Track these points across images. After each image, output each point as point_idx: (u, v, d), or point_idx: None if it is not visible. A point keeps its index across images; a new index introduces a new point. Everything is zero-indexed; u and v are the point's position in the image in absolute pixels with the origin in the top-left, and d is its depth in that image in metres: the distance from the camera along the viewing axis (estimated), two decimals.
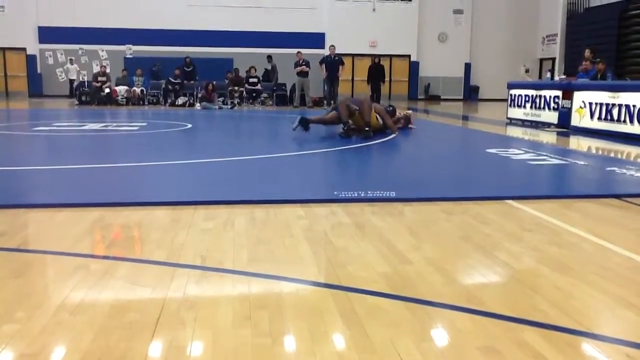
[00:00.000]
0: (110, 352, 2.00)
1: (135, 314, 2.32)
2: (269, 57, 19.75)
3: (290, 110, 17.22)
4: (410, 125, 10.54)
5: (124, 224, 3.76)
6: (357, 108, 8.97)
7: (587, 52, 12.40)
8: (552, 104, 11.54)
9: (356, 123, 8.97)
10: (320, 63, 17.85)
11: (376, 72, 19.13)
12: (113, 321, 2.25)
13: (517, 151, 7.46)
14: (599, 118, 9.92)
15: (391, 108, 10.12)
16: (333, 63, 17.65)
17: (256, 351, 2.02)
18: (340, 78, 18.27)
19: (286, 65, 19.22)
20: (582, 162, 6.65)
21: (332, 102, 17.81)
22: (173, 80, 18.50)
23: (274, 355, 2.00)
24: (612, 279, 2.79)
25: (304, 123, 8.95)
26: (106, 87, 18.16)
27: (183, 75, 18.77)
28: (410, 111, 11.74)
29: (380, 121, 9.43)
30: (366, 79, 19.59)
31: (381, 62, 19.58)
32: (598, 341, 2.13)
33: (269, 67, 19.60)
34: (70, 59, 20.76)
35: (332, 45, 18.51)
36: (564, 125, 10.91)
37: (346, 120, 8.83)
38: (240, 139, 9.73)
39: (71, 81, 20.90)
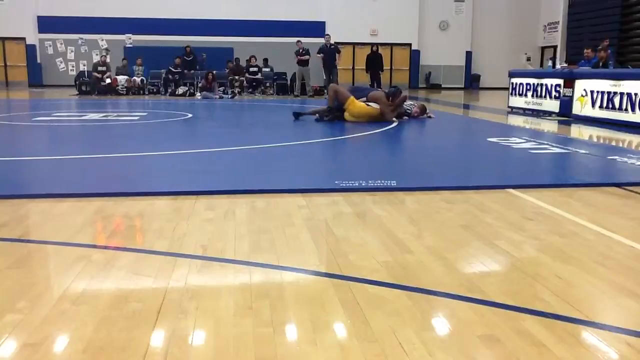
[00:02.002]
0: (113, 342, 2.01)
1: (137, 303, 2.33)
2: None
3: (291, 99, 17.19)
4: (429, 115, 10.61)
5: (125, 214, 3.77)
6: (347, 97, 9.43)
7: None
8: (554, 93, 11.51)
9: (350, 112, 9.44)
10: (318, 53, 17.82)
11: (374, 61, 19.07)
12: (115, 311, 2.26)
13: (518, 140, 7.44)
14: (601, 106, 9.89)
15: (394, 89, 10.05)
16: (330, 52, 17.64)
17: (258, 340, 2.03)
18: (338, 66, 18.25)
19: (286, 55, 19.16)
20: (584, 151, 6.64)
21: None
22: (173, 70, 18.44)
23: (276, 344, 2.01)
24: (613, 268, 2.80)
25: (296, 115, 9.63)
26: (107, 77, 18.10)
27: (183, 65, 18.70)
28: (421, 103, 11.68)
29: (376, 106, 9.47)
30: (364, 67, 19.55)
31: (379, 51, 19.51)
32: (599, 330, 2.14)
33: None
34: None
35: (328, 34, 18.52)
36: (566, 114, 10.88)
37: (331, 104, 9.39)
38: (241, 129, 9.71)
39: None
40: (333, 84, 9.70)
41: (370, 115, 9.39)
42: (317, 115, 9.58)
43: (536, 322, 2.18)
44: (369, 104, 9.50)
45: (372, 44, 20.04)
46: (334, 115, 9.35)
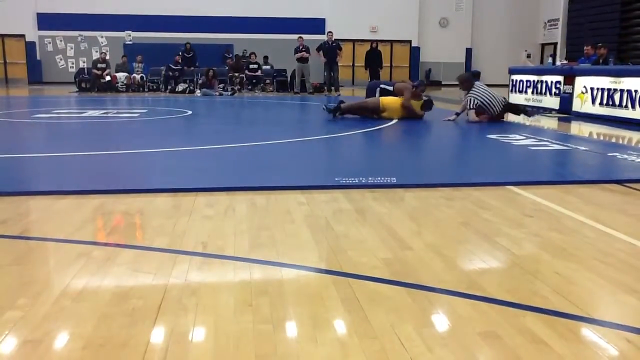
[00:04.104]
0: (113, 339, 2.01)
1: (137, 300, 2.33)
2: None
3: (291, 96, 17.18)
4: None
5: (126, 211, 3.77)
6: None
7: None
8: (554, 90, 11.50)
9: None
10: (318, 50, 17.80)
11: (373, 57, 19.03)
12: (115, 308, 2.26)
13: (518, 137, 7.44)
14: (601, 103, 9.89)
15: (420, 82, 10.04)
16: (331, 49, 17.62)
17: (257, 337, 2.03)
18: (339, 64, 18.23)
19: (286, 51, 19.14)
20: (584, 148, 6.64)
21: (331, 88, 17.78)
22: (173, 67, 18.41)
23: (276, 341, 2.01)
24: (613, 265, 2.80)
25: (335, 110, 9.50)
26: (106, 75, 18.08)
27: (183, 62, 18.67)
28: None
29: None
30: (364, 64, 19.50)
31: (378, 47, 19.46)
32: (598, 326, 2.14)
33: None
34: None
35: (330, 32, 18.47)
36: (566, 111, 10.87)
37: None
38: (241, 126, 9.71)
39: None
40: (358, 102, 9.58)
41: (398, 104, 9.57)
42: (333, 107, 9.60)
43: (536, 319, 2.18)
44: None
45: (371, 41, 20.01)
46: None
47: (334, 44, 17.73)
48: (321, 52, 17.64)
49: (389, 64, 23.55)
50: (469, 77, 9.46)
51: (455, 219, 3.62)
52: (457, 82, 10.08)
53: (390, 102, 9.55)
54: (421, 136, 8.34)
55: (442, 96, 17.89)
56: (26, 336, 2.03)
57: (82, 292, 2.42)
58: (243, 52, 19.71)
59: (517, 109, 9.56)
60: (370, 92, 10.22)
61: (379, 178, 4.61)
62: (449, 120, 9.32)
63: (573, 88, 10.76)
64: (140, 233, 3.34)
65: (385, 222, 3.49)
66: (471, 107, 9.16)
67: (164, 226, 3.38)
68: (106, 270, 2.68)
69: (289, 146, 6.73)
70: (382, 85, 10.04)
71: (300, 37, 18.41)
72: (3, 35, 22.67)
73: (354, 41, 23.56)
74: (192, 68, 18.77)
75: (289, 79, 19.51)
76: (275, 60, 20.26)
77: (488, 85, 9.67)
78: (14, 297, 2.35)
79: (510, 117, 10.56)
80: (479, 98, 9.13)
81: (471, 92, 9.27)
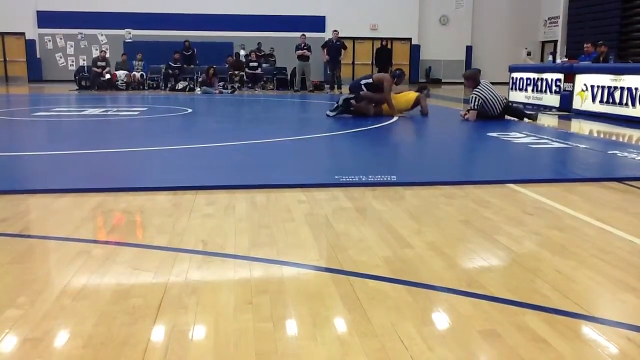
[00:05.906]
0: (113, 337, 2.01)
1: (137, 299, 2.33)
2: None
3: (291, 94, 17.17)
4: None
5: (125, 209, 3.77)
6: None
7: None
8: (554, 87, 11.49)
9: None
10: (323, 47, 17.79)
11: (382, 55, 19.05)
12: (115, 306, 2.26)
13: (518, 135, 7.44)
14: (601, 101, 9.89)
15: (399, 72, 9.93)
16: (335, 47, 17.60)
17: (258, 336, 2.03)
18: (342, 62, 18.21)
19: (286, 49, 19.12)
20: (584, 146, 6.63)
21: (334, 85, 17.77)
22: (173, 65, 18.40)
23: (276, 339, 2.01)
24: (613, 263, 2.80)
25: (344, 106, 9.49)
26: (106, 73, 18.06)
27: (182, 60, 18.66)
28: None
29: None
30: (372, 62, 19.48)
31: (388, 45, 19.44)
32: (599, 324, 2.14)
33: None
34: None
35: (335, 30, 18.42)
36: (566, 109, 10.87)
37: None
38: (241, 124, 9.70)
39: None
40: (362, 104, 9.47)
41: (402, 98, 9.66)
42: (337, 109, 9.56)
43: (536, 317, 2.18)
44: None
45: (376, 39, 20.00)
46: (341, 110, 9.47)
47: (338, 43, 17.70)
48: (325, 50, 17.63)
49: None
50: (474, 75, 9.36)
51: (455, 217, 3.62)
52: (455, 81, 10.08)
53: (394, 97, 9.58)
54: (421, 134, 8.34)
55: (443, 94, 17.89)
56: (26, 334, 2.03)
57: (82, 291, 2.42)
58: (258, 45, 19.88)
59: (520, 114, 9.44)
60: (354, 91, 10.01)
61: (379, 176, 4.61)
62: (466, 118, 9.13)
63: (573, 86, 10.76)
64: (140, 231, 3.34)
65: (385, 220, 3.49)
66: (474, 106, 9.09)
67: (164, 224, 3.38)
68: (106, 268, 2.68)
69: (289, 144, 6.73)
70: (362, 82, 9.87)
71: (303, 35, 18.37)
72: (3, 33, 22.67)
73: (354, 39, 23.54)
74: (192, 66, 18.75)
75: (289, 77, 19.50)
76: (275, 58, 20.24)
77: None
78: (14, 296, 2.35)
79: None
80: (482, 97, 9.07)
81: (475, 90, 9.15)
